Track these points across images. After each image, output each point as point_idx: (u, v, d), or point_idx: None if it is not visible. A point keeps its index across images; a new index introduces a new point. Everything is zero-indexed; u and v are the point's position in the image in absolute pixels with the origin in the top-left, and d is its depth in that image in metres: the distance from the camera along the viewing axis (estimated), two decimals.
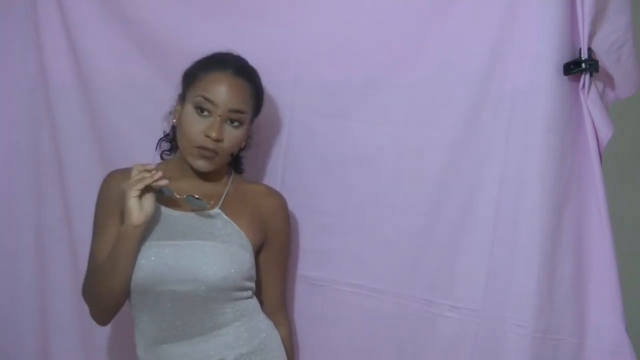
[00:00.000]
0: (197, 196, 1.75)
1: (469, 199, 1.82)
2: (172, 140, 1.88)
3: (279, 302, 1.91)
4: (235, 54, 1.83)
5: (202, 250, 1.72)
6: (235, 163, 1.92)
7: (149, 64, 2.04)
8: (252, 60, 1.86)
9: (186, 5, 2.02)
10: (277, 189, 1.93)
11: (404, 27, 1.87)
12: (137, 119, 2.05)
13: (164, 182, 1.69)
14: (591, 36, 1.68)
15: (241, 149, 1.87)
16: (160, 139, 1.91)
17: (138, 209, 1.67)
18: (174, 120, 1.81)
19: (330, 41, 1.92)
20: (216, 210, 1.79)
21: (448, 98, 1.83)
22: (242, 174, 1.94)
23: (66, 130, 2.09)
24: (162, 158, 1.91)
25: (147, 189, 1.68)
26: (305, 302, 1.99)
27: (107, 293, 1.73)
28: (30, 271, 2.15)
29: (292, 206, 1.93)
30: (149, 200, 1.69)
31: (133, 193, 1.66)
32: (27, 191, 2.15)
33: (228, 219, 1.78)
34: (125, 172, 1.74)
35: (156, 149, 1.90)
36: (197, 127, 1.73)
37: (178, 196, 1.74)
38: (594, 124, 1.70)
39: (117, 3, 2.06)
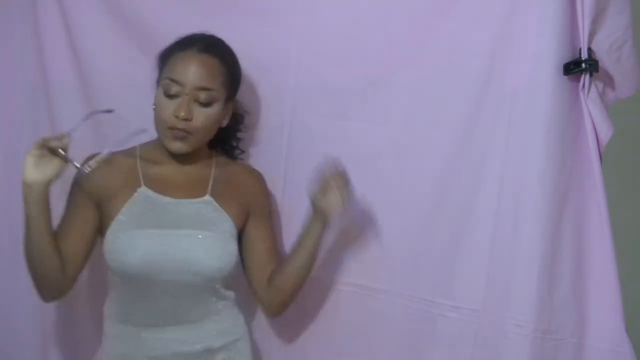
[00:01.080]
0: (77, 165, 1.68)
1: (469, 199, 1.82)
2: None
3: (275, 253, 1.91)
4: (208, 33, 1.82)
5: (197, 240, 1.75)
6: (226, 147, 1.92)
7: (149, 64, 2.04)
8: (252, 60, 1.86)
9: (186, 5, 2.02)
10: (280, 189, 1.97)
11: (404, 27, 1.87)
12: (137, 119, 2.05)
13: (55, 144, 1.61)
14: (591, 36, 1.68)
15: (223, 128, 1.86)
16: None
17: (32, 166, 1.61)
18: (154, 107, 1.80)
19: (331, 41, 1.92)
20: (207, 197, 1.80)
21: (448, 98, 1.83)
22: (236, 160, 1.95)
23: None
24: None
25: (61, 158, 1.62)
26: (306, 302, 1.99)
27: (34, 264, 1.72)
28: None
29: (293, 206, 1.94)
30: (52, 164, 1.62)
31: (33, 151, 1.61)
32: None
33: (219, 206, 1.80)
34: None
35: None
36: (168, 109, 1.74)
37: (79, 165, 1.66)
38: (594, 124, 1.70)
39: (117, 3, 2.06)
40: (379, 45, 1.89)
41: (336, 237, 1.94)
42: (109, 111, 1.77)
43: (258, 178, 1.92)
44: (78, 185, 1.79)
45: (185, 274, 1.73)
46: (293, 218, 1.97)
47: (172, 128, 1.74)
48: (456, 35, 1.81)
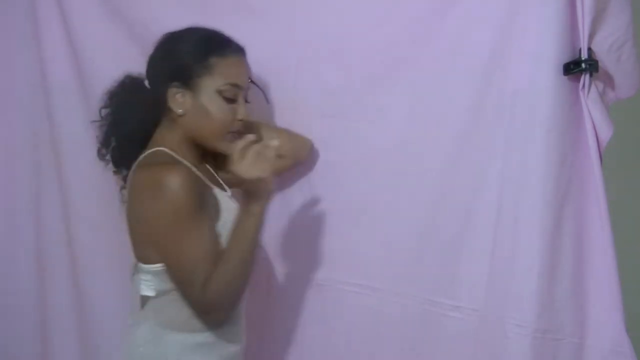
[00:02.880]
0: None
1: (469, 199, 1.82)
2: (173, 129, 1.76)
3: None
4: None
5: None
6: None
7: None
8: (252, 61, 1.85)
9: (186, 5, 2.02)
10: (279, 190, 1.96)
11: (404, 27, 1.87)
12: None
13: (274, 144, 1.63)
14: (591, 36, 1.68)
15: None
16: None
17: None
18: (180, 110, 1.72)
19: (331, 41, 1.92)
20: (229, 192, 1.80)
21: (448, 98, 1.83)
22: None
23: (66, 131, 2.09)
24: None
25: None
26: (308, 302, 1.99)
27: (243, 285, 1.66)
28: (30, 272, 2.15)
29: (293, 206, 1.93)
30: (266, 162, 1.62)
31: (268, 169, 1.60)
32: (27, 191, 2.15)
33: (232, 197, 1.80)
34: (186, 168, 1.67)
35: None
36: (230, 114, 1.73)
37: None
38: (594, 124, 1.70)
39: (117, 3, 2.06)
40: (379, 45, 1.89)
41: (337, 237, 1.95)
42: None
43: None
44: (196, 204, 1.65)
45: None
46: (293, 219, 1.97)
47: (235, 132, 1.74)
48: (456, 35, 1.81)
